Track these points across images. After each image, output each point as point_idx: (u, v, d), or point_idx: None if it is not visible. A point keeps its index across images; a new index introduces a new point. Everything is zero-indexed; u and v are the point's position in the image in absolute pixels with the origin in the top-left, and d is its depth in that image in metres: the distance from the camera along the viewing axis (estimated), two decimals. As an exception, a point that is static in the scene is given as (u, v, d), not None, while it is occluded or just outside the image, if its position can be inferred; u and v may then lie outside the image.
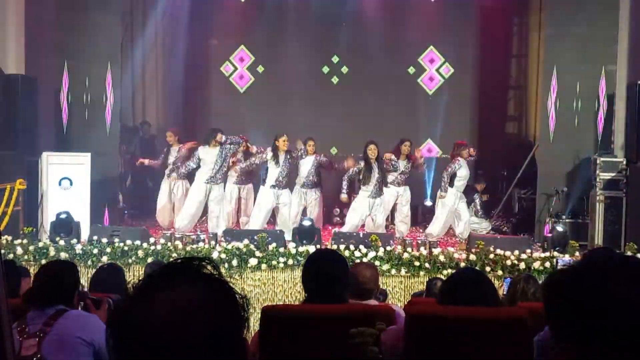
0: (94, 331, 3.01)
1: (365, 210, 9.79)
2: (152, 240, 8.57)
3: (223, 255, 8.06)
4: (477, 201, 10.72)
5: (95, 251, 8.26)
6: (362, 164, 9.83)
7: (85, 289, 4.78)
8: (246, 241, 8.28)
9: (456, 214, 10.00)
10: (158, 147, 11.59)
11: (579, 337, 1.26)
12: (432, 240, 8.83)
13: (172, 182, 10.51)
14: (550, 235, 8.83)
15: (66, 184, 9.51)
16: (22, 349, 2.97)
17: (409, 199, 10.27)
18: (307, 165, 10.00)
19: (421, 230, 10.81)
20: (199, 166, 9.81)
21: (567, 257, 7.99)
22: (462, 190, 10.00)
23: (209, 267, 1.27)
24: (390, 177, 10.05)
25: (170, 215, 10.54)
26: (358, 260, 7.50)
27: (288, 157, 9.79)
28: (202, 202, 9.85)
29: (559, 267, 7.30)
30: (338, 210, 11.05)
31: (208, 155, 9.73)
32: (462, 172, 9.87)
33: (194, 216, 9.94)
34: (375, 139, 9.94)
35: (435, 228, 10.03)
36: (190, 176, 10.26)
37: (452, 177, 9.87)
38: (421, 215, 11.33)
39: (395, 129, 11.94)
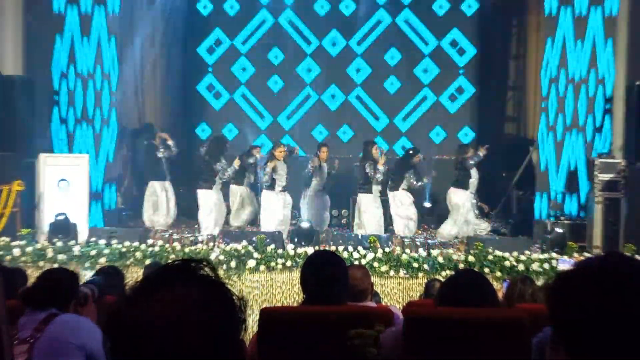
0: (85, 335, 2.98)
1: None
2: (150, 241, 8.56)
3: (221, 257, 8.05)
4: (474, 202, 10.71)
5: (93, 253, 8.25)
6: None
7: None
8: (244, 243, 8.28)
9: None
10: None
11: (580, 343, 1.25)
12: (441, 241, 8.83)
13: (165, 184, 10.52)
14: (549, 236, 8.83)
15: (64, 185, 9.49)
16: (13, 356, 2.94)
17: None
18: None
19: (420, 232, 10.80)
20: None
21: (565, 258, 7.99)
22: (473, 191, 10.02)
23: (206, 268, 1.27)
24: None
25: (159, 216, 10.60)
26: (357, 262, 7.50)
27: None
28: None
29: (560, 269, 7.30)
30: (337, 211, 11.05)
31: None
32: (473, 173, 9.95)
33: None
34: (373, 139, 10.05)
35: (446, 229, 10.09)
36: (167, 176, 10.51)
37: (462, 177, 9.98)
38: (420, 217, 11.29)
39: (393, 129, 11.97)
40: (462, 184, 10.02)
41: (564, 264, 7.50)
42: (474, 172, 10.00)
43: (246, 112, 12.83)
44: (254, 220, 10.75)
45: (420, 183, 10.10)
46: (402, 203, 10.05)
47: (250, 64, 12.85)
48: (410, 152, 10.32)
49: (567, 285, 1.31)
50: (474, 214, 10.60)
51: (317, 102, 12.79)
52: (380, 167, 9.78)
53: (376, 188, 9.96)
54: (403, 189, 10.08)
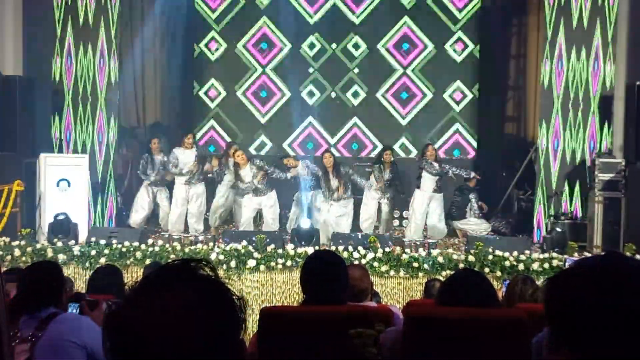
0: (86, 334, 2.98)
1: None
2: (150, 241, 8.56)
3: (221, 257, 8.06)
4: (474, 201, 10.70)
5: (94, 253, 8.25)
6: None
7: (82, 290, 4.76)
8: (244, 242, 8.28)
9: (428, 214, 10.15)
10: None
11: (577, 341, 1.25)
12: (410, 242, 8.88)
13: (155, 189, 10.46)
14: (549, 236, 8.83)
15: (64, 185, 9.49)
16: (14, 354, 2.94)
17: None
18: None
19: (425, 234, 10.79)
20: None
21: (572, 257, 7.98)
22: (433, 190, 10.05)
23: (206, 268, 1.27)
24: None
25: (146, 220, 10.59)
26: (356, 262, 7.50)
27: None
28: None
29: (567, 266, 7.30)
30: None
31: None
32: (425, 173, 10.00)
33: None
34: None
35: (408, 230, 10.22)
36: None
37: (418, 178, 10.07)
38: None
39: (392, 130, 11.97)
40: (418, 185, 10.10)
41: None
42: (424, 173, 10.01)
43: (246, 111, 12.80)
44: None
45: (383, 188, 10.08)
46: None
47: (253, 63, 12.80)
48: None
49: (565, 284, 1.31)
50: (475, 213, 10.60)
51: (323, 102, 12.72)
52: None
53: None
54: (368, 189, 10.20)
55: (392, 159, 10.29)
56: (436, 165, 10.01)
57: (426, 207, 10.01)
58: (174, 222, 10.04)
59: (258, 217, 10.43)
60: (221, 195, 10.57)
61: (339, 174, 9.90)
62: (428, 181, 10.01)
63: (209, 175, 10.56)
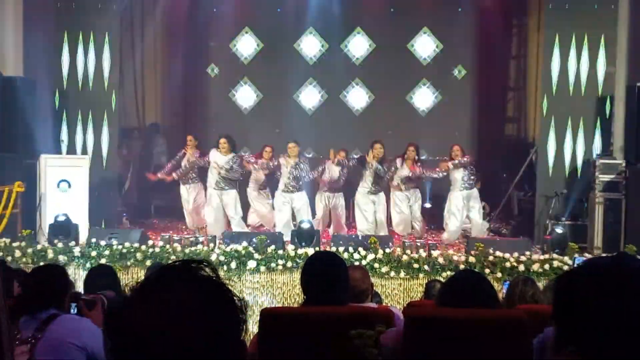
0: (86, 335, 2.98)
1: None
2: (150, 242, 8.56)
3: (222, 258, 8.06)
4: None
5: (94, 253, 8.25)
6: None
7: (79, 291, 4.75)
8: (245, 243, 8.28)
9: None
10: (159, 149, 11.58)
11: (582, 341, 1.25)
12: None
13: (189, 186, 10.20)
14: (549, 237, 8.82)
15: (64, 186, 9.49)
16: (14, 355, 2.94)
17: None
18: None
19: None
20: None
21: (582, 257, 7.97)
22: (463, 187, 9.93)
23: (207, 269, 1.27)
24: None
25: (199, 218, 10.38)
26: (357, 263, 7.50)
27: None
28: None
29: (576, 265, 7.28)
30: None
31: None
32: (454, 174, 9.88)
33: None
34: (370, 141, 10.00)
35: (446, 233, 10.09)
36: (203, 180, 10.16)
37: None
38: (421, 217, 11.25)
39: (392, 131, 11.96)
40: (450, 185, 10.01)
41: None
42: (455, 172, 9.89)
43: (248, 112, 12.80)
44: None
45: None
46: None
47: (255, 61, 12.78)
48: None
49: (573, 284, 1.31)
50: (477, 214, 10.59)
51: (328, 100, 12.71)
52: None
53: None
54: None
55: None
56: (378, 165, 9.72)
57: (463, 207, 9.85)
58: (212, 225, 9.82)
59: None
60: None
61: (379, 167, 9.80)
62: (458, 181, 9.86)
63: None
